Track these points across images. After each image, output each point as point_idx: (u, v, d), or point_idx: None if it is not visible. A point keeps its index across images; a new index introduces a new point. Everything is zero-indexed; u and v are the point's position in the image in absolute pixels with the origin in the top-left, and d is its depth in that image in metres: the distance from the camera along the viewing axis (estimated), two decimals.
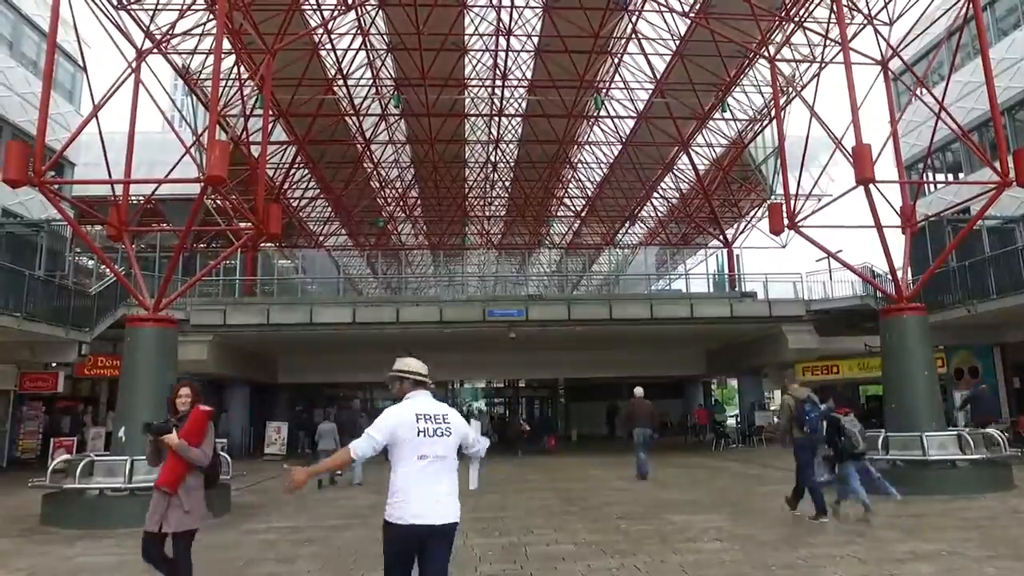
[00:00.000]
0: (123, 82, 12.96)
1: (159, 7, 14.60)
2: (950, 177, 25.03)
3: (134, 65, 13.13)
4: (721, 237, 31.87)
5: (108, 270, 18.64)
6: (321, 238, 36.37)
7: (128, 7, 15.20)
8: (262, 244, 24.92)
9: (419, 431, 3.53)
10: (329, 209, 35.27)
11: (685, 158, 30.20)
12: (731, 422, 32.75)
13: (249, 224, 13.38)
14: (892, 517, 8.85)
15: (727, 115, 27.57)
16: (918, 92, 14.41)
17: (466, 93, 27.38)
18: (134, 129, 13.02)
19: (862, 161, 11.23)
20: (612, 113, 29.28)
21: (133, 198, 15.12)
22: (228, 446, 17.01)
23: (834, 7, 13.30)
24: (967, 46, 23.25)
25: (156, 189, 15.23)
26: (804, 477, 8.93)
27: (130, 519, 9.36)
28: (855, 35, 14.96)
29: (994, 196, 12.04)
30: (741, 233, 33.09)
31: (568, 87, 25.78)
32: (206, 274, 15.58)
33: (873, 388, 30.72)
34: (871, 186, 11.69)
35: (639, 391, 15.35)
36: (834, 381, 28.31)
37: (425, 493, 3.47)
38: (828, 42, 16.11)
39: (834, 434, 8.89)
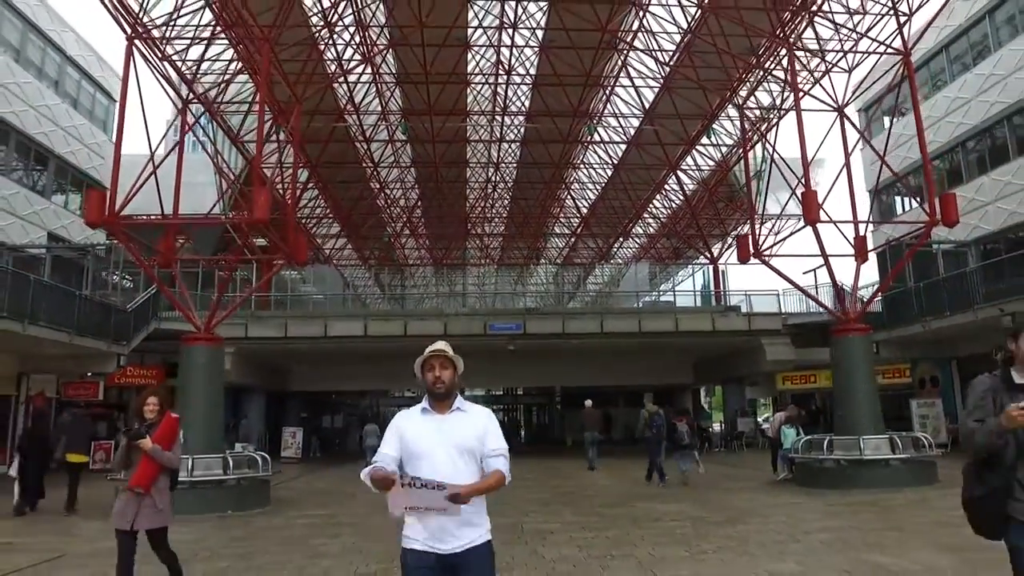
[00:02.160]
0: (168, 130, 14.93)
1: (201, 60, 16.50)
2: (915, 202, 27.09)
3: (170, 107, 15.09)
4: (707, 254, 33.84)
5: (141, 289, 20.67)
6: (329, 252, 38.32)
7: (171, 60, 17.16)
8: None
9: None
10: (338, 226, 37.21)
11: (674, 179, 32.17)
12: (716, 428, 34.64)
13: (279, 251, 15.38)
14: (827, 505, 10.83)
15: (713, 140, 29.59)
16: (866, 136, 16.17)
17: (468, 121, 29.37)
18: (180, 172, 14.95)
19: (809, 205, 13.22)
20: (605, 139, 31.29)
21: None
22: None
23: (795, 65, 15.27)
24: (930, 82, 25.35)
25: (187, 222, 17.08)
26: (653, 461, 14.72)
27: (192, 507, 11.34)
28: (816, 82, 16.85)
29: (924, 233, 14.04)
30: (728, 248, 35.05)
31: (563, 116, 27.79)
32: (247, 298, 17.44)
33: None
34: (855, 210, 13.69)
35: (588, 403, 20.47)
36: (812, 389, 30.31)
37: None
38: (791, 90, 18.10)
39: (670, 433, 14.78)
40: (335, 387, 32.76)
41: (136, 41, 13.34)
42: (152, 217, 13.52)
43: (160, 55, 15.85)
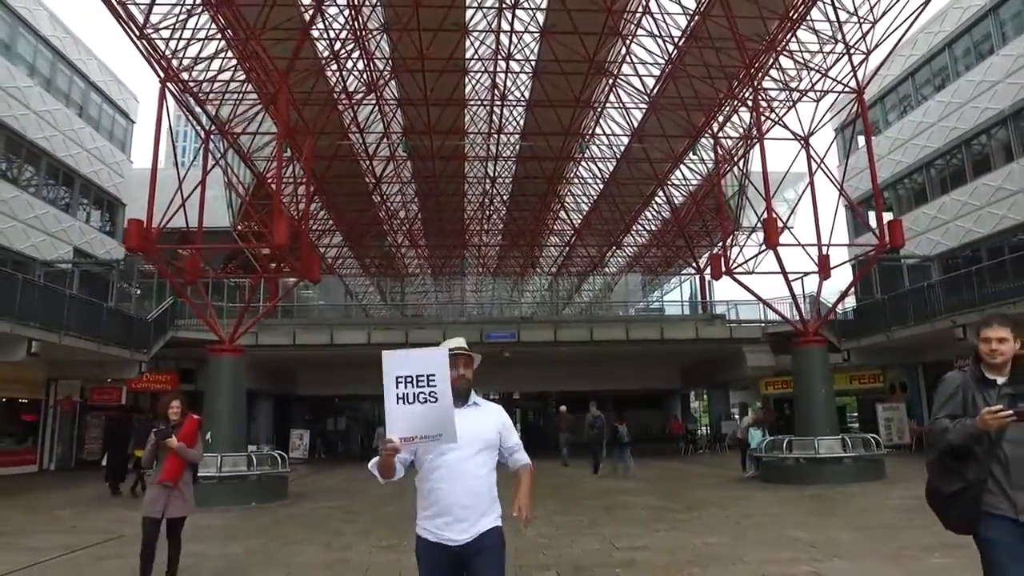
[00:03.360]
0: (193, 158, 16.49)
1: (224, 93, 18.07)
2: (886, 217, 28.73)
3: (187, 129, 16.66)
4: (694, 264, 35.44)
5: (153, 298, 22.25)
6: (332, 262, 39.88)
7: (194, 92, 18.76)
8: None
9: None
10: (340, 238, 38.79)
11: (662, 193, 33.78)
12: (703, 431, 36.20)
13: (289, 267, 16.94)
14: (777, 497, 12.41)
15: (699, 156, 31.20)
16: (825, 166, 17.74)
17: (466, 140, 30.99)
18: (203, 201, 16.46)
19: (770, 231, 14.83)
20: (596, 155, 32.91)
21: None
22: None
23: (760, 103, 16.88)
24: (899, 106, 27.02)
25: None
26: (595, 459, 18.54)
27: (221, 499, 12.89)
28: (779, 120, 18.46)
29: (875, 255, 15.65)
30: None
31: (556, 135, 29.40)
32: (271, 308, 19.00)
33: (840, 399, 34.20)
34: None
35: (563, 408, 24.25)
36: (792, 394, 31.84)
37: None
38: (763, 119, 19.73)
39: (613, 433, 18.20)
40: (339, 391, 34.30)
41: (168, 83, 14.90)
42: (182, 244, 14.98)
43: (183, 88, 17.46)
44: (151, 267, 25.94)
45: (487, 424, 3.11)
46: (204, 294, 16.01)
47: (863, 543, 7.84)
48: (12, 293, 15.84)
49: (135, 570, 6.01)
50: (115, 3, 13.76)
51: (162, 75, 14.81)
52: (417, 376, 2.82)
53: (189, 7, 15.24)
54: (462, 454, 2.97)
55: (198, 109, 17.98)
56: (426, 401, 2.81)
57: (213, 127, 17.93)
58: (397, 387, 2.81)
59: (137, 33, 14.34)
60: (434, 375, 2.82)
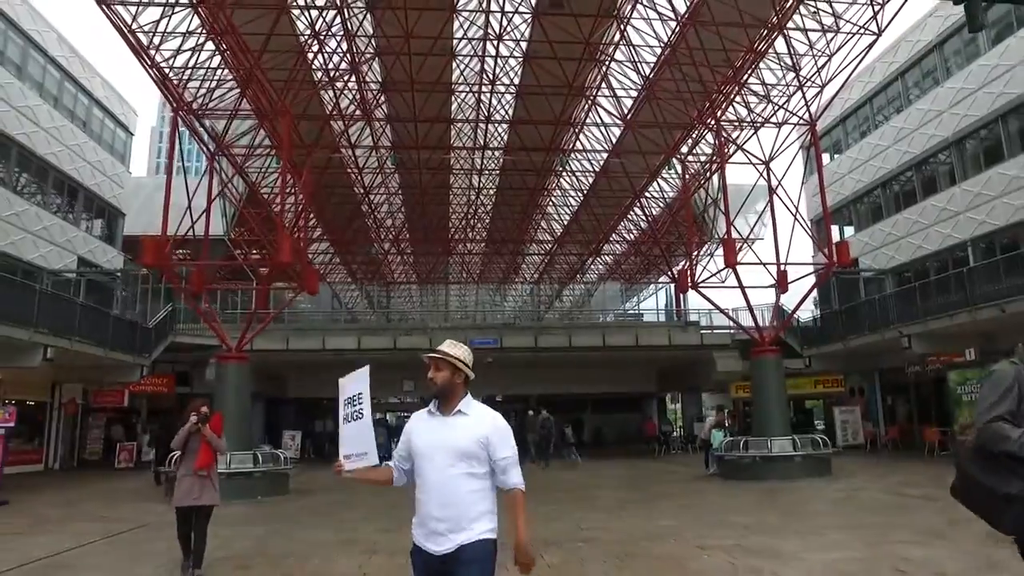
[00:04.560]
0: (199, 181, 17.79)
1: (232, 114, 19.32)
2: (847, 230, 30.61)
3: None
4: (669, 273, 37.10)
5: (158, 308, 23.50)
6: (320, 269, 41.12)
7: (200, 113, 20.05)
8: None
9: None
10: (327, 243, 40.08)
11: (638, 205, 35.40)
12: (677, 432, 37.81)
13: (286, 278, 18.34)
14: (729, 490, 13.99)
15: (674, 170, 32.86)
16: (783, 189, 19.36)
17: (452, 154, 32.43)
18: (209, 220, 17.74)
19: (728, 251, 16.43)
20: (577, 168, 34.47)
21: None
22: None
23: (722, 135, 18.49)
24: (858, 128, 28.84)
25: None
26: (544, 452, 21.86)
27: (230, 493, 14.07)
28: (739, 148, 20.09)
29: (824, 273, 17.32)
30: (697, 260, 38.32)
31: (538, 151, 30.92)
32: (272, 319, 20.27)
33: (810, 402, 35.87)
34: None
35: (531, 413, 26.41)
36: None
37: None
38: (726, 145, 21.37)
39: (561, 434, 21.24)
40: (329, 394, 35.28)
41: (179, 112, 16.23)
42: (184, 255, 16.24)
43: (187, 110, 18.73)
44: (145, 273, 27.27)
45: (465, 434, 2.95)
46: (209, 304, 17.30)
47: (786, 525, 9.40)
48: (30, 302, 17.05)
49: (169, 551, 7.34)
50: (127, 32, 14.93)
51: (175, 104, 16.11)
52: (352, 396, 2.97)
53: (197, 36, 16.52)
54: (435, 464, 2.94)
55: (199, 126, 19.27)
56: (357, 419, 2.94)
57: (216, 147, 19.20)
58: (344, 408, 3.00)
59: (149, 62, 15.64)
60: (361, 393, 2.95)
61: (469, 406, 3.06)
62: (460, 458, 2.92)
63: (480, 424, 2.99)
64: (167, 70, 16.27)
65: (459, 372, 3.07)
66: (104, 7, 13.62)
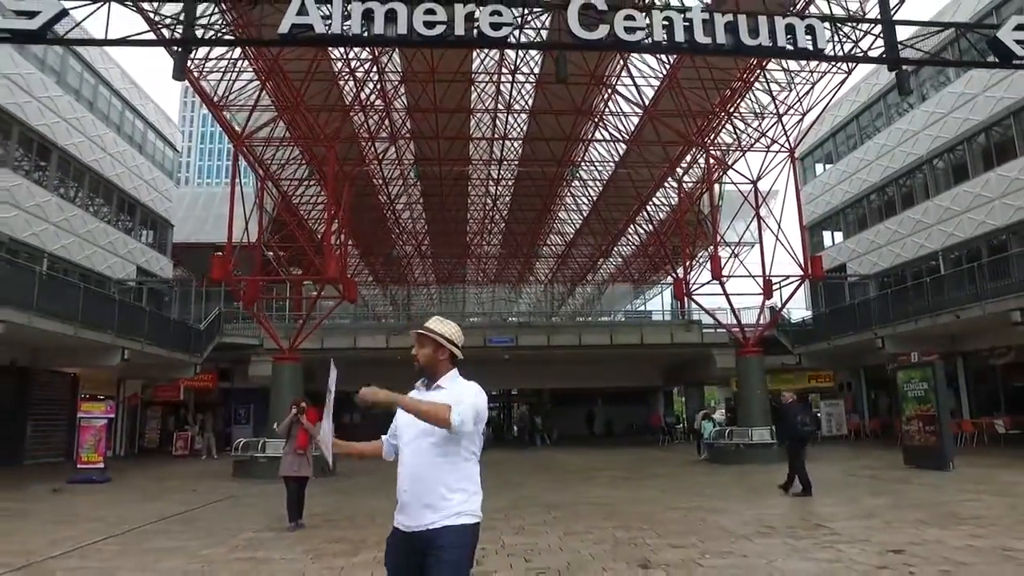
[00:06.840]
0: (252, 207, 20.46)
1: (279, 143, 22.00)
2: (840, 236, 32.86)
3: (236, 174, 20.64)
4: (674, 275, 39.46)
5: (201, 311, 26.29)
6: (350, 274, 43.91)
7: (246, 142, 22.75)
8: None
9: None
10: (357, 252, 42.88)
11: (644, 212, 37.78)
12: (681, 424, 40.25)
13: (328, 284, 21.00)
14: (710, 471, 16.50)
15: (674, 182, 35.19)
16: (766, 208, 21.74)
17: (470, 166, 35.02)
18: (260, 243, 20.40)
19: (714, 266, 18.86)
20: (586, 177, 36.90)
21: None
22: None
23: (711, 161, 20.89)
24: (847, 141, 31.05)
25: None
26: (530, 436, 26.83)
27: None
28: (727, 169, 22.47)
29: (798, 284, 19.72)
30: (690, 271, 40.66)
31: (549, 164, 33.42)
32: (319, 324, 22.95)
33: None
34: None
35: (522, 408, 29.87)
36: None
37: None
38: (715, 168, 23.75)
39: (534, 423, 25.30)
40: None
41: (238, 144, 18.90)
42: (239, 273, 18.94)
43: (238, 138, 21.38)
44: (193, 279, 30.20)
45: None
46: (263, 313, 20.01)
47: (744, 497, 11.91)
48: (111, 310, 19.82)
49: (266, 512, 9.96)
50: (198, 87, 17.59)
51: (235, 139, 18.78)
52: (331, 390, 3.10)
53: (255, 83, 19.19)
54: (405, 438, 3.02)
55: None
56: (328, 415, 3.10)
57: (264, 173, 21.91)
58: (329, 400, 3.16)
59: (216, 108, 18.35)
60: (331, 390, 3.08)
61: (450, 381, 3.06)
62: (428, 432, 2.92)
63: (449, 397, 2.94)
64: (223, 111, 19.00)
65: (442, 348, 3.07)
66: (190, 78, 16.27)
